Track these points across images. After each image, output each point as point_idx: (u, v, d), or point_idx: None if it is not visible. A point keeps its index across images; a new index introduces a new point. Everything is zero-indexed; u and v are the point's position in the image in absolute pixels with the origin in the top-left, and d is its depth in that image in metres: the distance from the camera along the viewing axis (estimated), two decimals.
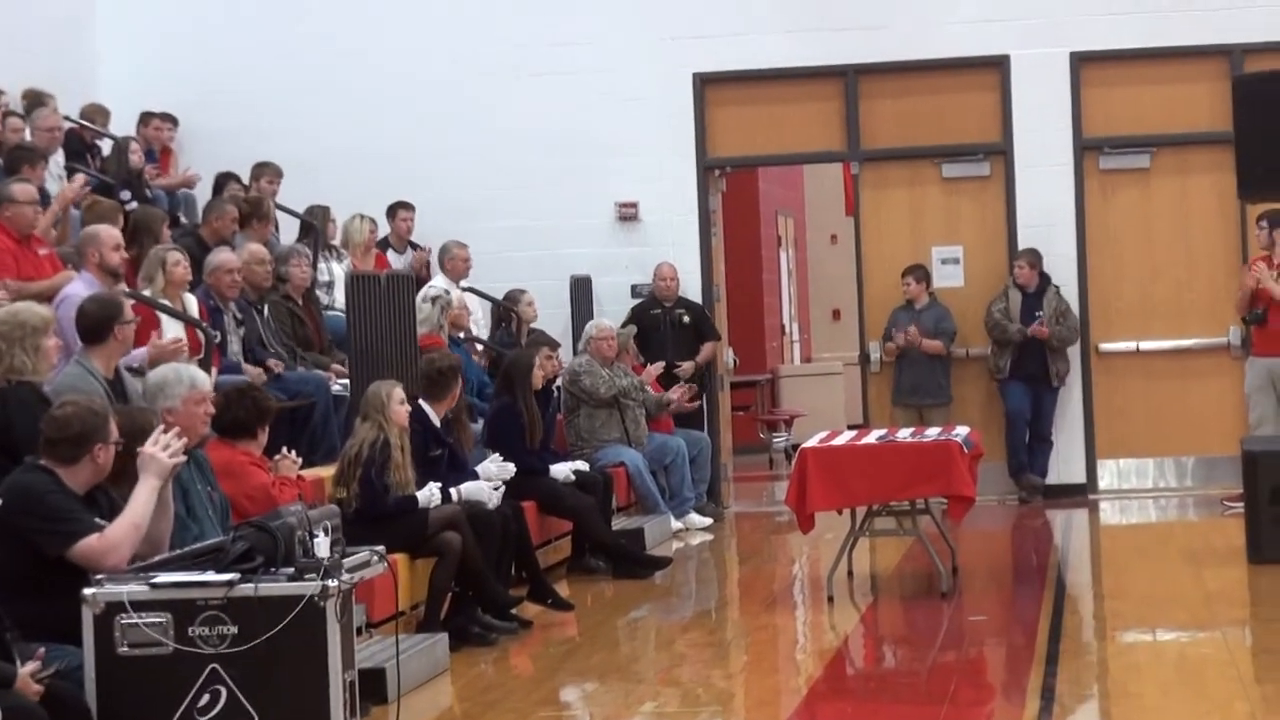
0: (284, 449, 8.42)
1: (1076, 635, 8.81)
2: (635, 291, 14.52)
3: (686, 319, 14.19)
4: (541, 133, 14.31)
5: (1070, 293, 14.03)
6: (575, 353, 13.23)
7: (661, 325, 14.15)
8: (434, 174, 14.28)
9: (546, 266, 14.39)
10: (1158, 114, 13.98)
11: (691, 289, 14.46)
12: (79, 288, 8.66)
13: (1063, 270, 14.06)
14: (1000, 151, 14.28)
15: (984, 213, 14.38)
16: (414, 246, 13.86)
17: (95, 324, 7.72)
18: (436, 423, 9.64)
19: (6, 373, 7.17)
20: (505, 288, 13.72)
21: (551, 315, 13.98)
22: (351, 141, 14.35)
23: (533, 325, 13.45)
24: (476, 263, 13.60)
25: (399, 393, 9.07)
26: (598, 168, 14.39)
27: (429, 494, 9.02)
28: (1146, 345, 14.21)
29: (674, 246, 14.44)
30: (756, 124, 14.40)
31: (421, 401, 9.60)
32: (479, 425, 11.06)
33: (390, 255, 13.67)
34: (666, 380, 13.37)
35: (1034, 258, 13.84)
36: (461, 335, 12.20)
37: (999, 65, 14.15)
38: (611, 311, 14.10)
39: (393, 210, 13.89)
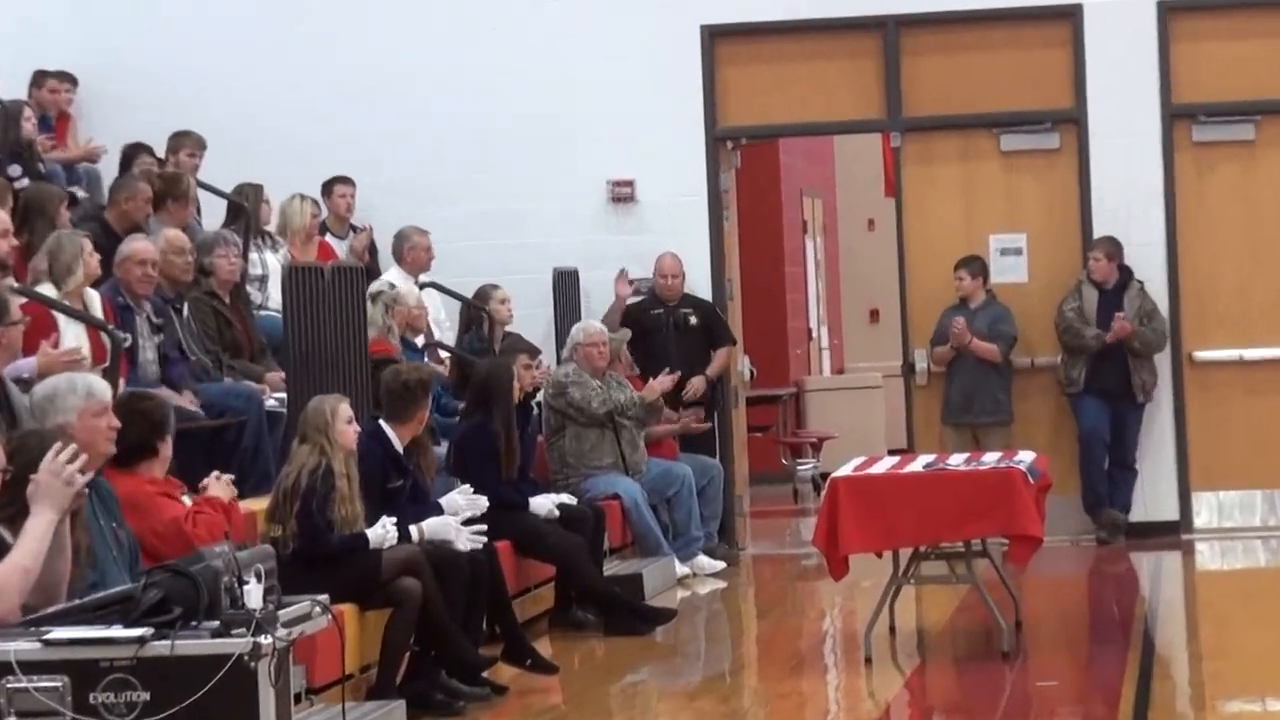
0: (215, 474, 8.57)
1: (1169, 705, 8.91)
2: (632, 288, 14.78)
3: (694, 320, 14.39)
4: (517, 98, 14.57)
5: (1157, 290, 14.22)
6: (559, 361, 13.45)
7: (664, 328, 14.28)
8: (387, 148, 14.52)
9: (524, 258, 14.59)
10: (1264, 75, 14.09)
11: (699, 285, 14.63)
12: None
13: (1148, 263, 14.28)
14: (1072, 120, 14.44)
15: (1052, 194, 14.55)
16: (354, 229, 14.14)
17: None
18: (399, 448, 9.76)
19: None
20: (474, 283, 13.90)
21: (530, 316, 14.14)
22: (288, 110, 14.54)
23: (507, 328, 13.67)
24: (439, 253, 13.80)
25: (345, 409, 9.16)
26: (585, 139, 14.60)
27: (382, 531, 9.13)
28: (1250, 354, 14.35)
29: (678, 234, 14.59)
30: (777, 86, 14.56)
31: (384, 423, 9.78)
32: (442, 448, 11.22)
33: (331, 241, 13.90)
34: (675, 400, 13.81)
35: (1112, 248, 14.04)
36: (420, 340, 12.40)
37: (1071, 16, 14.30)
38: (602, 311, 14.47)
39: (329, 187, 14.11)
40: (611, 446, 13.17)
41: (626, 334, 13.76)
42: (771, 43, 14.46)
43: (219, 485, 8.42)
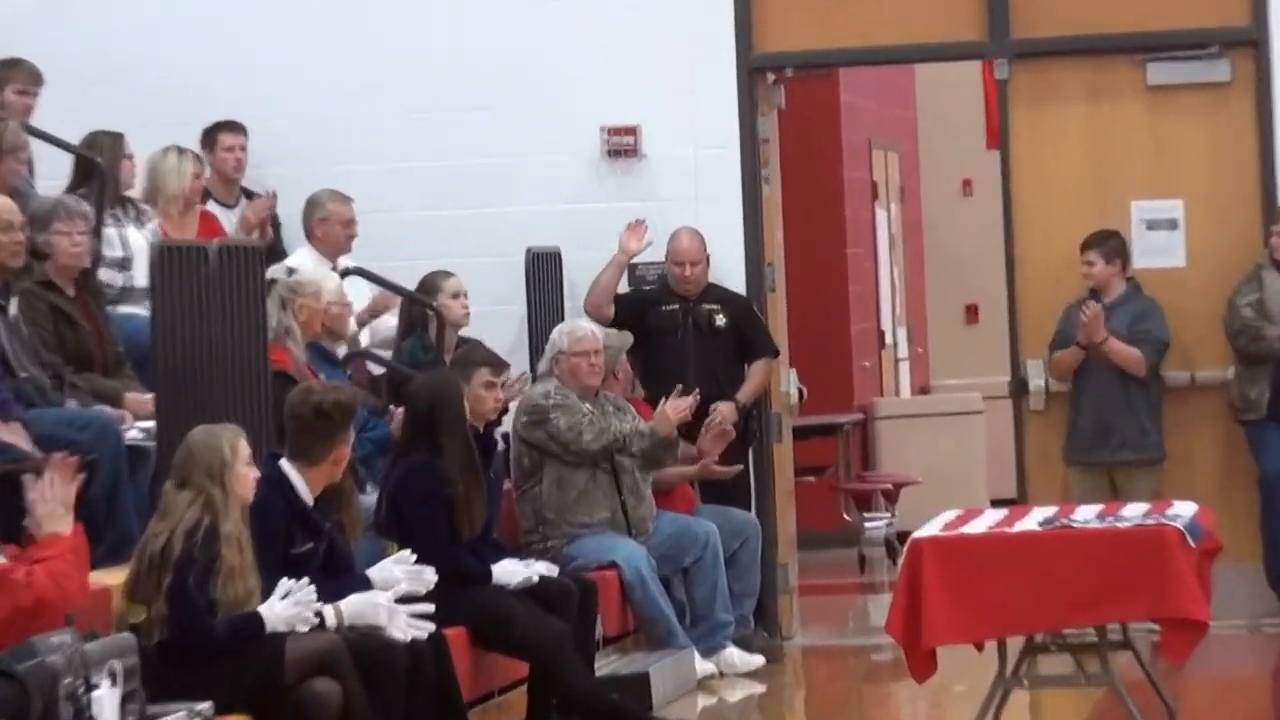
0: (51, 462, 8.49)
1: None
2: (635, 274, 14.87)
3: (721, 321, 14.58)
4: (474, 19, 14.84)
5: None
6: (535, 377, 13.56)
7: (679, 331, 14.51)
8: (293, 86, 14.73)
9: (487, 236, 14.79)
10: None
11: (729, 273, 14.82)
12: None
13: None
14: (1248, 42, 14.52)
15: (1220, 144, 14.61)
16: (247, 195, 14.30)
17: None
18: (309, 499, 9.83)
19: None
20: (417, 270, 14.09)
21: (494, 314, 14.33)
22: (156, 36, 14.81)
23: (462, 331, 13.80)
24: (367, 228, 13.91)
25: (244, 447, 9.29)
26: (571, 74, 14.82)
27: (288, 607, 9.28)
28: None
29: (699, 203, 14.72)
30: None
31: (287, 464, 9.83)
32: (371, 498, 11.36)
33: (217, 211, 14.12)
34: (694, 431, 13.95)
35: None
36: (340, 348, 12.61)
37: None
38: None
39: (211, 136, 14.34)
40: (608, 495, 13.36)
41: (627, 338, 13.97)
42: None
43: (61, 467, 8.41)
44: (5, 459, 10.06)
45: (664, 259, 14.54)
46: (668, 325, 14.49)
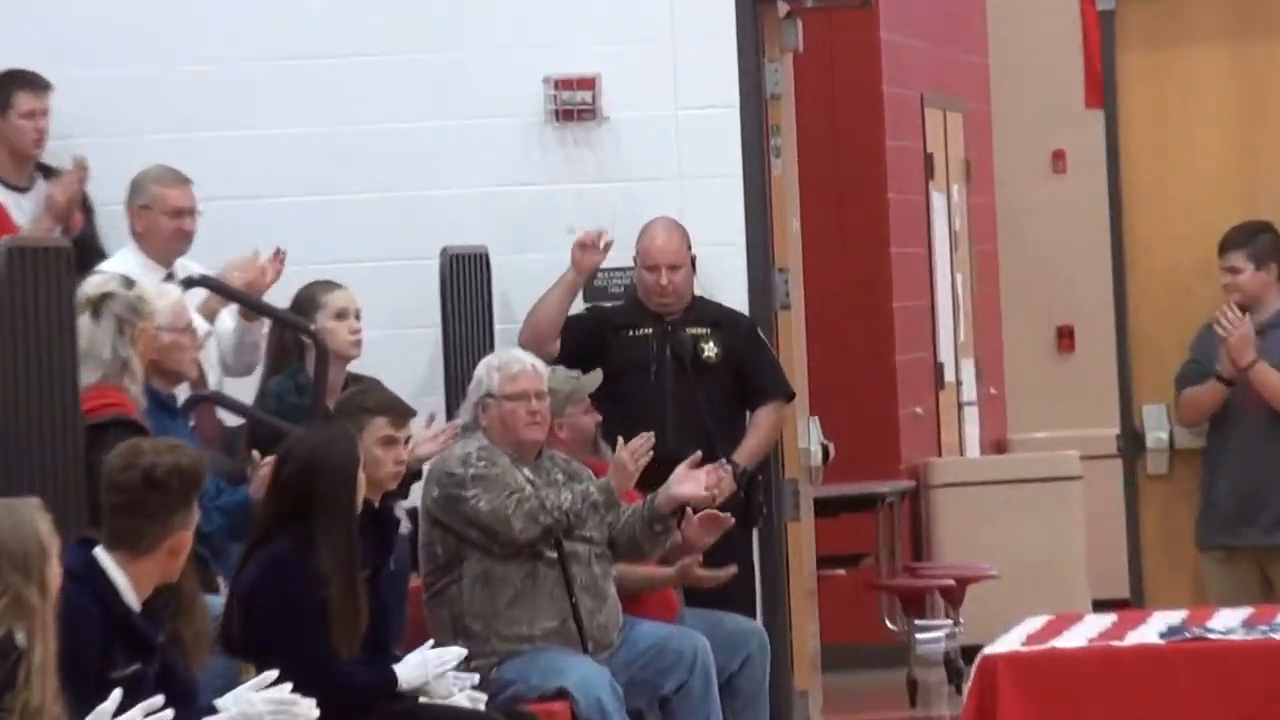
0: None
1: None
2: (594, 286, 15.02)
3: (712, 350, 14.65)
4: None
5: None
6: (460, 430, 13.62)
7: (654, 364, 14.62)
8: (114, 26, 14.94)
9: (388, 232, 15.02)
10: None
11: (726, 280, 14.87)
12: None
13: None
14: None
15: None
16: (46, 173, 14.42)
17: None
18: (135, 604, 9.81)
19: None
20: (290, 280, 14.26)
21: (397, 342, 14.49)
22: None
23: (351, 366, 13.98)
24: (217, 223, 13.96)
25: (48, 534, 9.19)
26: (502, 5, 15.12)
27: None
28: None
29: (683, 181, 14.86)
30: None
31: (101, 553, 9.87)
32: (219, 599, 11.52)
33: (5, 198, 14.37)
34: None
35: None
36: (180, 390, 12.74)
37: None
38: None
39: (2, 94, 14.57)
40: (554, 597, 13.35)
41: (595, 378, 13.99)
42: None
43: None
44: None
45: (632, 263, 14.59)
46: (638, 357, 14.58)
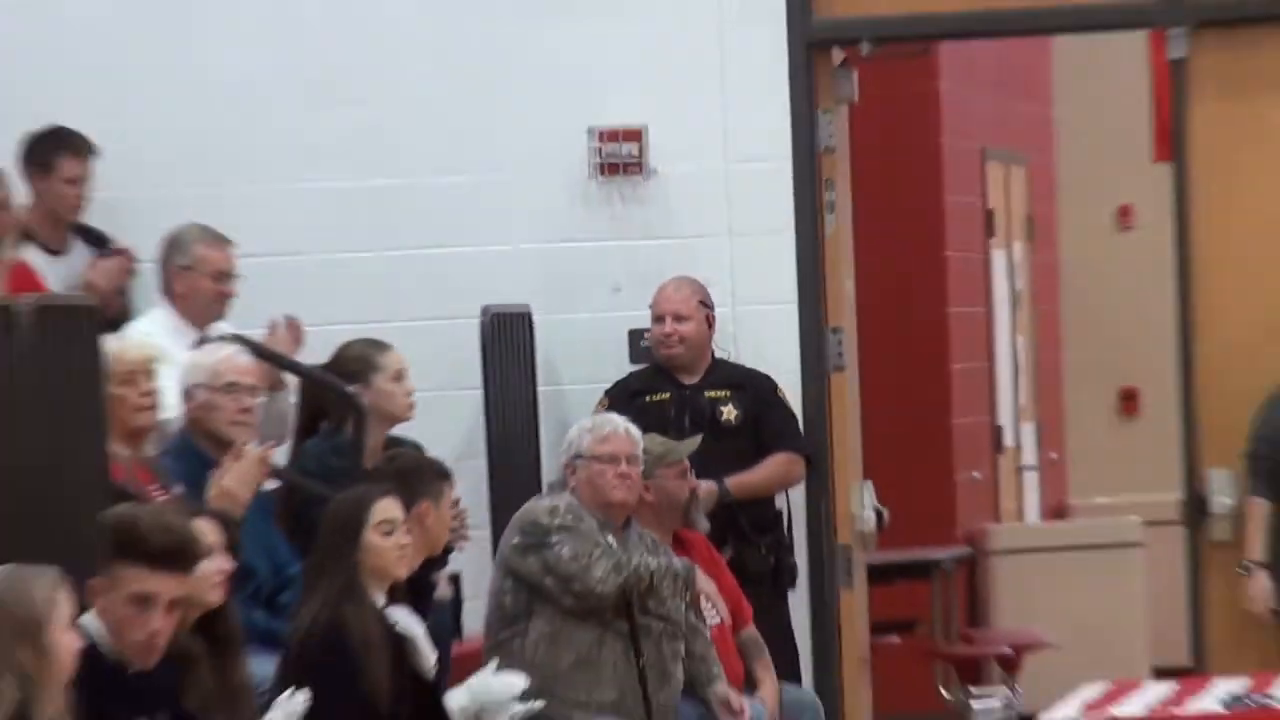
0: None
1: None
2: (642, 343, 10.42)
3: (732, 413, 10.19)
4: None
5: None
6: (548, 488, 9.81)
7: (672, 428, 10.04)
8: (153, 82, 10.63)
9: (426, 290, 10.59)
10: None
11: (780, 340, 10.43)
12: None
13: None
14: None
15: None
16: (96, 241, 10.37)
17: None
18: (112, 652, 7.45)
19: None
20: (325, 339, 9.79)
21: (435, 404, 10.01)
22: None
23: (394, 430, 9.40)
24: (258, 285, 10.07)
25: (66, 601, 6.34)
26: (548, 57, 10.50)
27: None
28: None
29: (733, 238, 10.41)
30: None
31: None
32: (267, 675, 8.03)
33: (38, 260, 10.05)
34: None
35: None
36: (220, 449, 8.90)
37: None
38: (582, 395, 10.24)
39: (45, 157, 10.20)
40: (619, 668, 9.02)
41: (693, 443, 9.72)
42: None
43: None
44: None
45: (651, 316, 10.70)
46: (656, 422, 9.78)
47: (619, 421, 9.43)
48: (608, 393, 10.20)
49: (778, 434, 10.27)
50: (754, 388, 10.25)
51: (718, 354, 10.36)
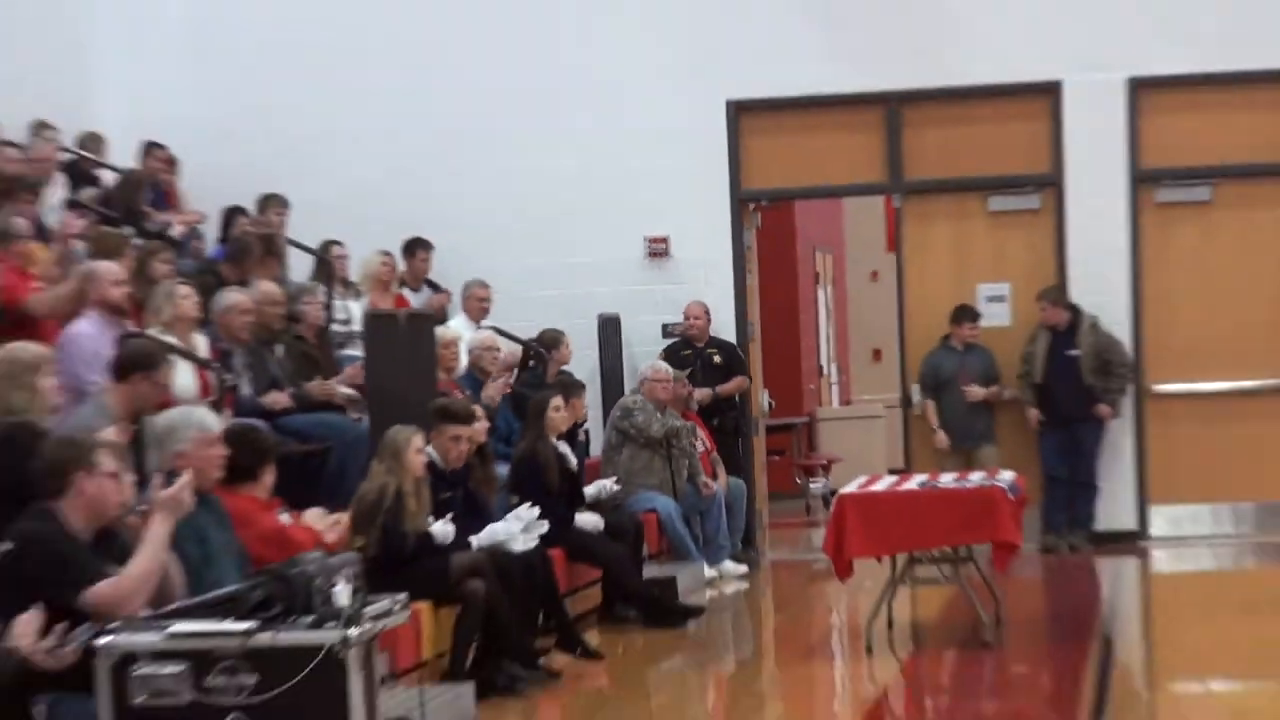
0: (319, 510, 9.26)
1: (1127, 685, 9.82)
2: (666, 331, 15.66)
3: (718, 359, 15.38)
4: (567, 165, 15.74)
5: (1124, 332, 15.36)
6: (627, 392, 14.62)
7: (693, 366, 15.17)
8: (453, 211, 15.65)
9: (573, 306, 15.51)
10: (1220, 143, 15.20)
11: (725, 328, 15.78)
12: (84, 326, 9.86)
13: (1116, 308, 15.41)
14: (1051, 183, 15.63)
15: (1033, 248, 15.61)
16: (433, 287, 15.42)
17: (120, 364, 8.64)
18: (441, 464, 10.82)
19: (3, 412, 7.82)
20: (530, 328, 14.88)
21: (579, 358, 15.11)
22: (367, 179, 15.74)
23: (563, 367, 14.62)
24: (501, 302, 15.00)
25: (419, 440, 10.05)
26: (627, 201, 15.62)
27: (444, 530, 10.08)
28: (1202, 387, 15.41)
29: (707, 285, 15.70)
30: (794, 154, 15.60)
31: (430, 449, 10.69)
32: (505, 469, 12.27)
33: (408, 294, 14.96)
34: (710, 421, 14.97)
35: (1055, 295, 15.35)
36: (489, 377, 13.25)
37: (1051, 92, 15.41)
38: (642, 353, 15.41)
39: (411, 248, 15.47)
40: (661, 469, 13.71)
41: (684, 373, 14.26)
42: (789, 116, 15.52)
43: (317, 517, 9.10)
44: (291, 442, 10.64)
45: (683, 319, 15.22)
46: (686, 364, 15.04)
47: (662, 364, 14.08)
48: (664, 351, 14.64)
49: (739, 369, 14.79)
50: (727, 348, 14.97)
51: (710, 333, 14.68)
